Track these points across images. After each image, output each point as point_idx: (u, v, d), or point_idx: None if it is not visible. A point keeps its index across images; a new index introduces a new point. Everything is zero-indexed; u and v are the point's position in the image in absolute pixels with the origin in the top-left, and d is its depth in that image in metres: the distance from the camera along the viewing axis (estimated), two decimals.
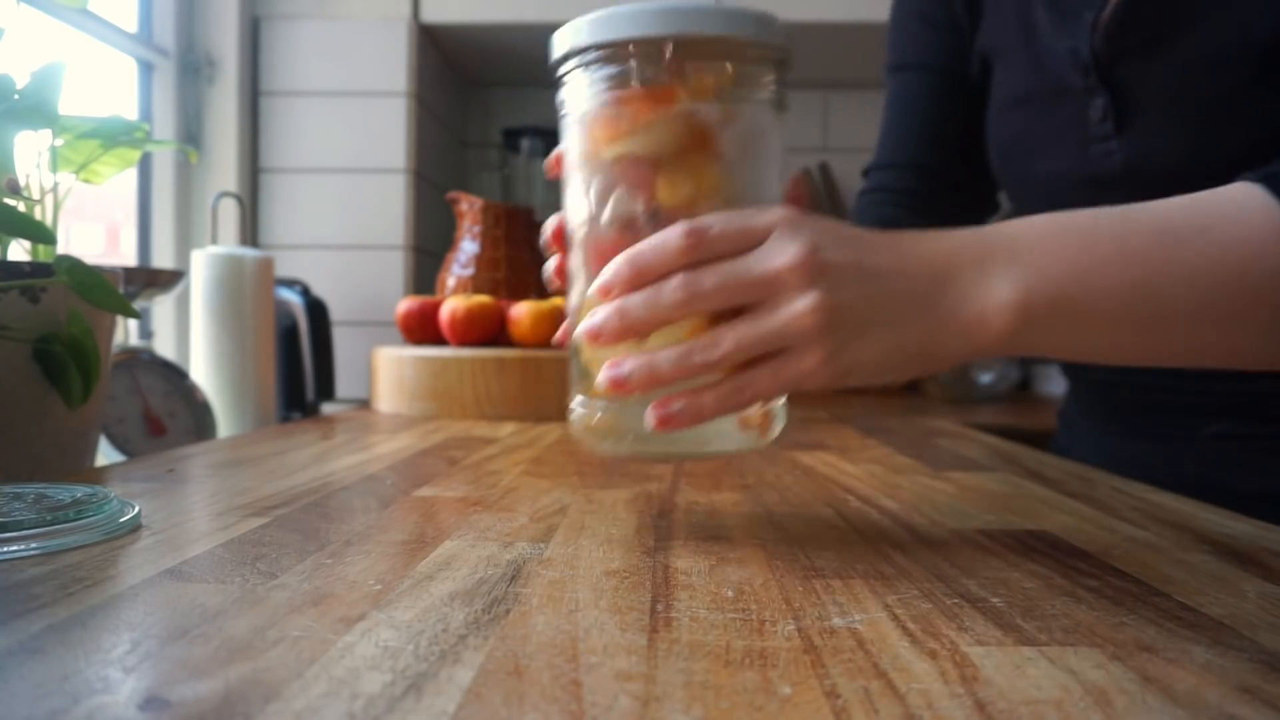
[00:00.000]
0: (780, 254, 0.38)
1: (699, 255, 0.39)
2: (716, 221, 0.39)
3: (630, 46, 0.40)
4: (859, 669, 0.26)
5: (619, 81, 0.41)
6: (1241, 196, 0.42)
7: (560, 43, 0.42)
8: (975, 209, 0.80)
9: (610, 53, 0.40)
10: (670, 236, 0.39)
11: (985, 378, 1.47)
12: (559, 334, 0.47)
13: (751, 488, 0.56)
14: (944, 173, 0.78)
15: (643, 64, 0.40)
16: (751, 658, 0.27)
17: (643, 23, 0.39)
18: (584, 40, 0.41)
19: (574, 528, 0.44)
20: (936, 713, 0.23)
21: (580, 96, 0.42)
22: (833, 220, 0.41)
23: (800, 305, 0.38)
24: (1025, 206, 0.76)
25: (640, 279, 0.39)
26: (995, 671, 0.26)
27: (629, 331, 0.39)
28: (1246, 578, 0.36)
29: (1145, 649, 0.28)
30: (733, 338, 0.38)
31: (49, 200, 0.68)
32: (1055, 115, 0.68)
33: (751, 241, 0.39)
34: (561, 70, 0.43)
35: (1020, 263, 0.40)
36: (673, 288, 0.38)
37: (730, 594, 0.33)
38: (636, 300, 0.39)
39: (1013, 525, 0.46)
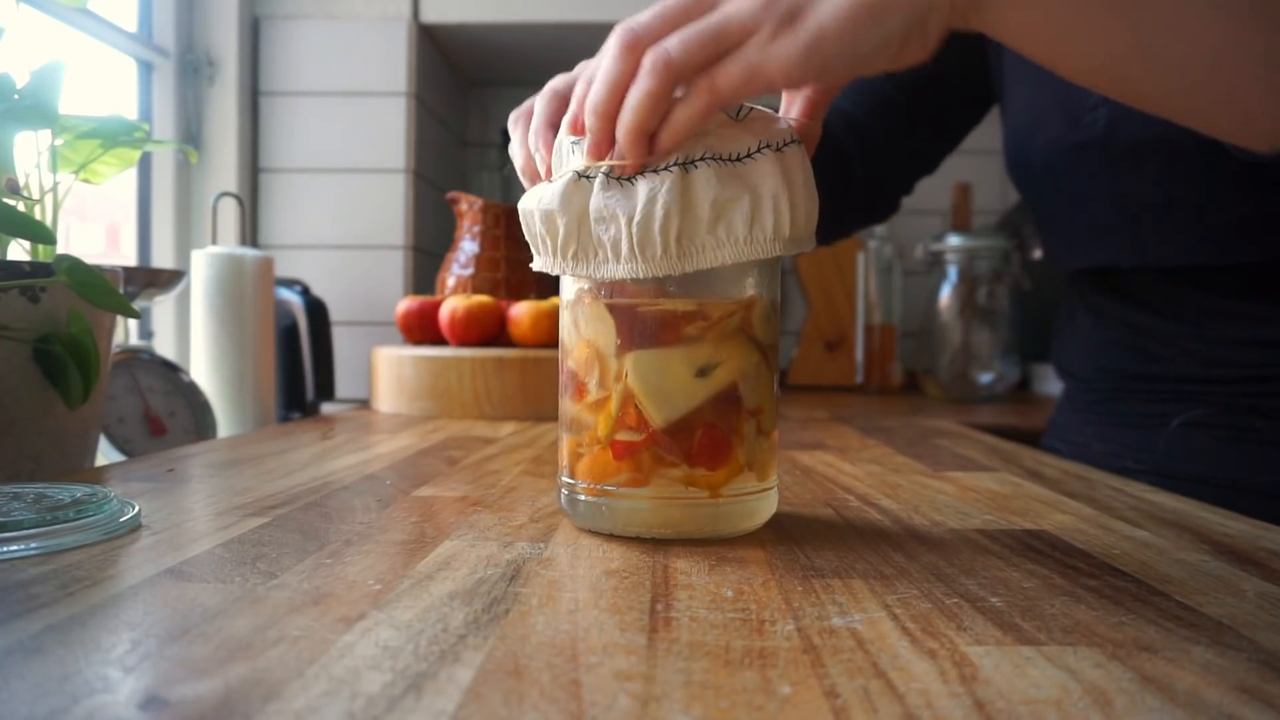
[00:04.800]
0: None
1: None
2: (643, 14, 0.40)
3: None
4: (858, 668, 0.26)
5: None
6: None
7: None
8: (874, 183, 0.82)
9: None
10: (608, 42, 0.40)
11: (985, 378, 1.47)
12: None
13: None
14: (866, 132, 0.80)
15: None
16: (751, 657, 0.27)
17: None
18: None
19: (574, 527, 0.44)
20: (935, 712, 0.23)
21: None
22: None
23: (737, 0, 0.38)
24: (1027, 186, 0.79)
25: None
26: (994, 671, 0.26)
27: (608, 119, 0.39)
28: (1246, 577, 0.36)
29: (1144, 649, 0.28)
30: (676, 36, 0.38)
31: (49, 200, 0.68)
32: (1056, 88, 0.70)
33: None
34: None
35: None
36: (612, 41, 0.39)
37: (730, 594, 0.33)
38: (594, 86, 0.40)
39: (1012, 525, 0.46)
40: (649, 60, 0.38)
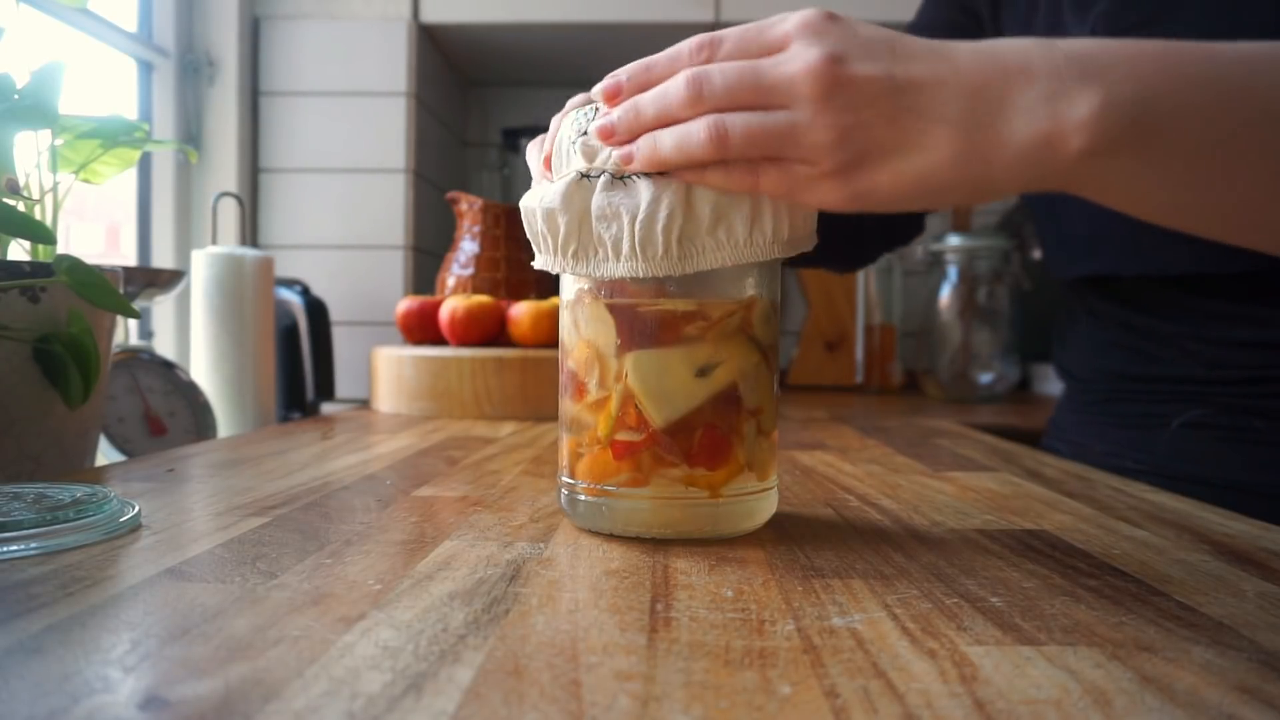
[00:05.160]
0: (795, 61, 0.36)
1: (713, 62, 0.38)
2: (733, 31, 0.38)
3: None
4: (858, 668, 0.26)
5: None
6: None
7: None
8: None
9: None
10: (684, 45, 0.39)
11: (985, 378, 1.47)
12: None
13: None
14: None
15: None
16: (751, 657, 0.27)
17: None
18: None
19: (574, 527, 0.44)
20: (935, 712, 0.23)
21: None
22: (876, 28, 0.38)
23: (812, 117, 0.36)
24: (1029, 194, 0.79)
25: (651, 83, 0.39)
26: (994, 671, 0.26)
27: (640, 127, 0.39)
28: (1246, 577, 0.36)
29: (1144, 649, 0.28)
30: (742, 120, 0.37)
31: (49, 200, 0.68)
32: None
33: (772, 49, 0.38)
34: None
35: (1100, 78, 0.36)
36: (681, 79, 0.38)
37: (730, 594, 0.33)
38: (647, 96, 0.39)
39: (1012, 525, 0.46)
40: (708, 129, 0.37)
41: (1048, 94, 0.36)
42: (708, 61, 0.39)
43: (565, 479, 0.44)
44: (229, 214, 1.26)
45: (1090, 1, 0.66)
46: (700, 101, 0.38)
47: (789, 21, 0.38)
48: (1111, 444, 0.73)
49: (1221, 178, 0.39)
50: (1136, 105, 0.36)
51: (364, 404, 1.20)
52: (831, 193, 0.38)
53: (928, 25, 0.81)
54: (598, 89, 0.42)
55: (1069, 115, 0.36)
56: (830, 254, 0.79)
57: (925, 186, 0.37)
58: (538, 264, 0.44)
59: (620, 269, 0.40)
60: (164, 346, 1.32)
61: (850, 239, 0.77)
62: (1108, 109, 0.36)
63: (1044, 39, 0.38)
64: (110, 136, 0.70)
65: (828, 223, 0.75)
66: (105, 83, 1.24)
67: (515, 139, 1.65)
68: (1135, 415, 0.72)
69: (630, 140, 0.39)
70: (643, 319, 0.41)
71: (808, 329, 1.70)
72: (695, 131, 0.37)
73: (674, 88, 0.38)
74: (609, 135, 0.40)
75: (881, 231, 0.81)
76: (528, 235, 0.44)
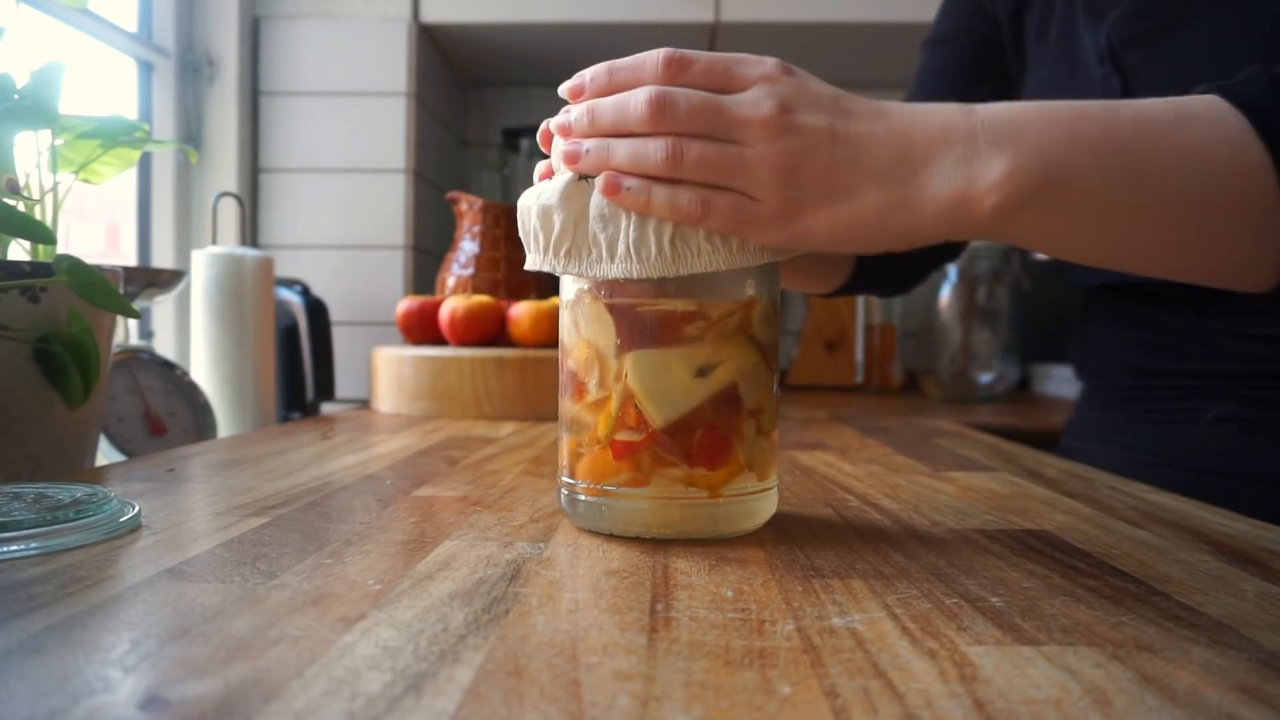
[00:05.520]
0: (752, 106, 0.40)
1: (676, 83, 0.40)
2: (703, 58, 0.41)
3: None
4: (858, 668, 0.26)
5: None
6: (1208, 103, 0.45)
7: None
8: None
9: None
10: (651, 56, 0.40)
11: (985, 378, 1.48)
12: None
13: None
14: None
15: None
16: (751, 657, 0.27)
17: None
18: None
19: (574, 527, 0.44)
20: (935, 712, 0.23)
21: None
22: (824, 84, 0.42)
23: (759, 155, 0.39)
24: None
25: (613, 87, 0.41)
26: (994, 671, 0.26)
27: (594, 131, 0.41)
28: (1245, 577, 0.36)
29: (1144, 648, 0.28)
30: (698, 146, 0.39)
31: (49, 200, 0.68)
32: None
33: (733, 87, 0.41)
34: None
35: (1008, 144, 0.41)
36: (644, 97, 0.40)
37: (730, 594, 0.33)
38: (607, 103, 0.41)
39: (1012, 525, 0.46)
40: (666, 148, 0.39)
41: (964, 156, 0.41)
42: (674, 79, 0.40)
43: (565, 479, 0.44)
44: (229, 214, 1.26)
45: (1105, 10, 0.67)
46: (660, 122, 0.40)
47: (754, 69, 0.41)
48: (1140, 440, 0.73)
49: (1124, 225, 0.44)
50: (1041, 169, 0.41)
51: (364, 404, 1.20)
52: (774, 231, 0.41)
53: (948, 35, 0.81)
54: (564, 87, 0.43)
55: (982, 177, 0.40)
56: (880, 280, 0.80)
57: (856, 231, 0.41)
58: (529, 264, 0.44)
59: (615, 270, 0.40)
60: (164, 346, 1.33)
61: (900, 262, 0.78)
62: (1015, 172, 0.40)
63: (966, 105, 0.42)
64: (110, 136, 0.70)
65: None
66: (105, 83, 1.24)
67: (515, 139, 1.65)
68: (1164, 411, 0.71)
69: (585, 135, 0.41)
70: (642, 319, 0.41)
71: (808, 329, 1.70)
72: (653, 149, 0.40)
73: (635, 102, 0.40)
74: (566, 133, 0.42)
75: (930, 251, 0.81)
76: (520, 234, 0.44)
